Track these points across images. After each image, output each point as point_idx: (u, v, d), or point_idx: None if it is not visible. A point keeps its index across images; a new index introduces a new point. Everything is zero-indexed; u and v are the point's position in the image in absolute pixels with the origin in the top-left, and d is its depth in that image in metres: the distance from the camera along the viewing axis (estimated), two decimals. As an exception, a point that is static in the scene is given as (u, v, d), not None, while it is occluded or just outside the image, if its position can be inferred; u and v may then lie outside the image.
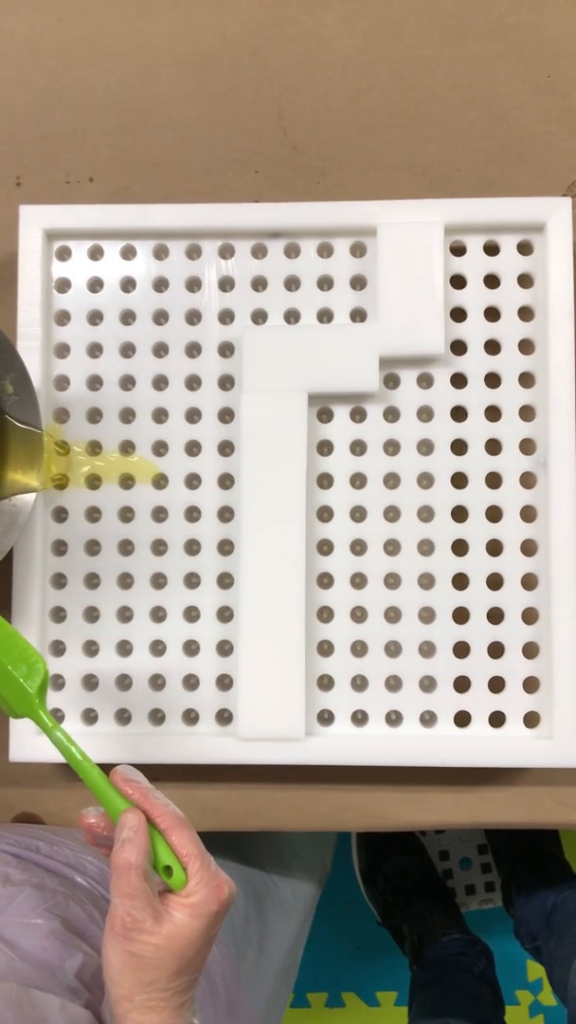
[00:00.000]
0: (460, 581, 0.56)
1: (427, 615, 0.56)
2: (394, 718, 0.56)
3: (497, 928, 1.13)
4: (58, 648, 0.57)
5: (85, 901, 0.51)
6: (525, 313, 0.57)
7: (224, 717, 0.57)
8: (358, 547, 0.57)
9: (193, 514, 0.58)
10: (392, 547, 0.57)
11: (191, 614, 0.57)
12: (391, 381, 0.57)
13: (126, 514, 0.58)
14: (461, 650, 0.56)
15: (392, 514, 0.57)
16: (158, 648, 0.57)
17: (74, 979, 0.45)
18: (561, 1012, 1.18)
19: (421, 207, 0.56)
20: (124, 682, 0.57)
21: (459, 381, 0.57)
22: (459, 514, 0.57)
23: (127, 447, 0.58)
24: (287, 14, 0.61)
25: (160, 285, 0.58)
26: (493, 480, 0.57)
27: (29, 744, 0.56)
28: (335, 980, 1.21)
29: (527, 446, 0.57)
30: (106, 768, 0.44)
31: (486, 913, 1.16)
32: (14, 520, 0.52)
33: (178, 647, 0.57)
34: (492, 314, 0.57)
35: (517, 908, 1.02)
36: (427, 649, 0.56)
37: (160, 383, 0.58)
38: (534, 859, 1.06)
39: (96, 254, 0.58)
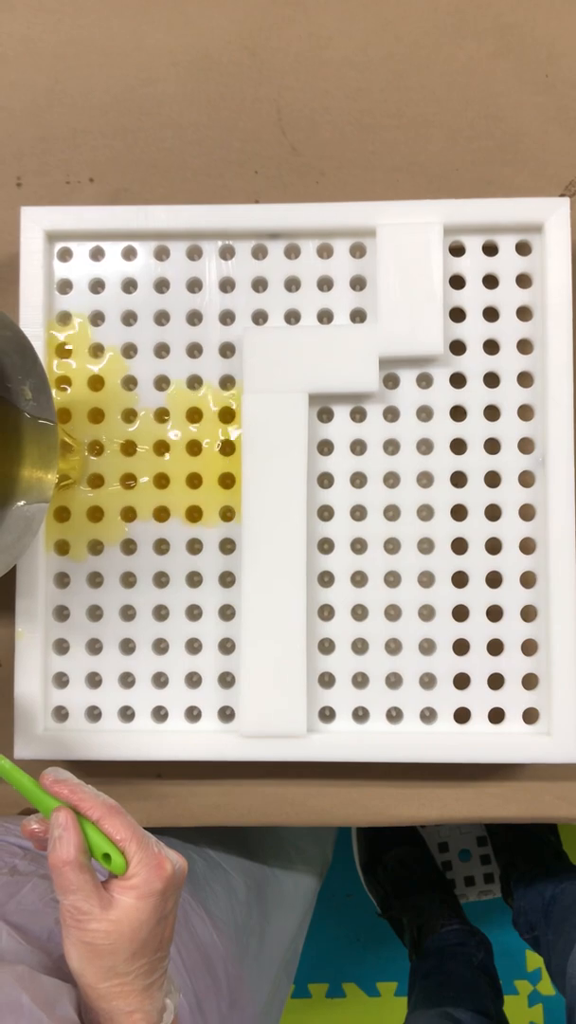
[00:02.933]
0: (460, 579, 0.57)
1: (427, 613, 0.57)
2: (394, 714, 0.57)
3: (496, 919, 1.14)
4: (62, 647, 0.58)
5: None
6: (524, 313, 0.58)
7: (226, 714, 0.58)
8: (358, 546, 0.58)
9: (194, 514, 0.58)
10: (392, 545, 0.57)
11: (193, 612, 0.58)
12: (391, 381, 0.58)
13: (128, 514, 0.58)
14: (461, 647, 0.57)
15: (392, 513, 0.57)
16: (161, 646, 0.58)
17: None
18: (559, 1001, 1.19)
19: (420, 208, 0.57)
20: (127, 680, 0.58)
21: (458, 381, 0.58)
22: (458, 512, 0.57)
23: (129, 447, 0.58)
24: (285, 15, 0.61)
25: (161, 286, 0.59)
26: (492, 479, 0.57)
27: (34, 742, 0.56)
28: (336, 971, 1.23)
29: (526, 445, 0.57)
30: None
31: (485, 904, 1.17)
32: (28, 525, 0.52)
33: (180, 645, 0.58)
34: (491, 314, 0.58)
35: (515, 899, 1.03)
36: (427, 646, 0.57)
37: (161, 383, 0.59)
38: (532, 850, 1.07)
39: (97, 255, 0.59)
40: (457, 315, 0.58)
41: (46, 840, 0.43)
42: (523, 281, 0.58)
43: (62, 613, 0.58)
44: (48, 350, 0.58)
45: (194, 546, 0.58)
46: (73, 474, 0.58)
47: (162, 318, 0.59)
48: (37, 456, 0.52)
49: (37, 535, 0.57)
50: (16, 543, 0.51)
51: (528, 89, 0.61)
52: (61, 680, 0.58)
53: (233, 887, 0.66)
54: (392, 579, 0.57)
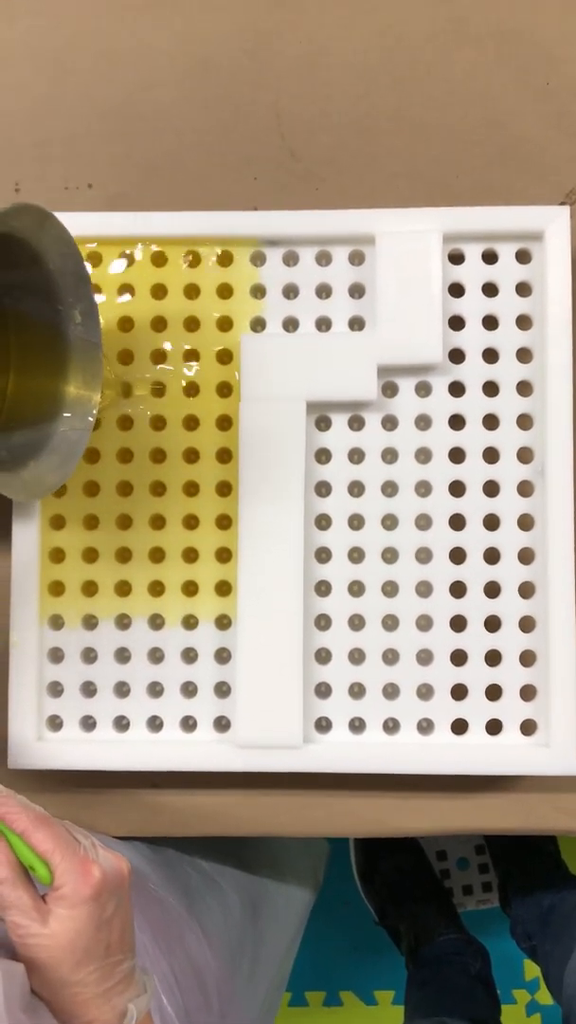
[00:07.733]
0: (457, 589, 0.57)
1: (424, 623, 0.57)
2: (391, 725, 0.57)
3: (494, 928, 1.13)
4: (57, 656, 0.58)
5: None
6: (523, 322, 0.57)
7: (222, 724, 0.57)
8: (356, 555, 0.57)
9: (191, 521, 0.58)
10: (390, 555, 0.57)
11: (190, 622, 0.58)
12: (389, 389, 0.57)
13: (123, 522, 0.58)
14: (458, 658, 0.56)
15: (390, 522, 0.57)
16: (156, 655, 0.57)
17: None
18: (557, 1011, 1.18)
19: (419, 215, 0.56)
20: (122, 689, 0.58)
21: (457, 389, 0.57)
22: (457, 522, 0.57)
23: (125, 455, 0.58)
24: (285, 19, 0.61)
25: (158, 291, 0.58)
26: (491, 488, 0.57)
27: (28, 751, 0.56)
28: (333, 979, 1.22)
29: (525, 454, 0.57)
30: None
31: (483, 913, 1.16)
32: (72, 449, 0.52)
33: (176, 654, 0.57)
34: (490, 322, 0.57)
35: (513, 908, 1.03)
36: (424, 657, 0.57)
37: (158, 390, 0.58)
38: (531, 860, 1.07)
39: (95, 260, 0.58)
40: (456, 323, 0.57)
41: None
42: (523, 290, 0.57)
43: (57, 622, 0.58)
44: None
45: (190, 555, 0.58)
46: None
47: (160, 324, 0.58)
48: (82, 380, 0.52)
49: (37, 533, 0.57)
50: (63, 465, 0.52)
51: (529, 96, 0.60)
52: (56, 689, 0.58)
53: (228, 904, 0.65)
54: (390, 589, 0.57)
